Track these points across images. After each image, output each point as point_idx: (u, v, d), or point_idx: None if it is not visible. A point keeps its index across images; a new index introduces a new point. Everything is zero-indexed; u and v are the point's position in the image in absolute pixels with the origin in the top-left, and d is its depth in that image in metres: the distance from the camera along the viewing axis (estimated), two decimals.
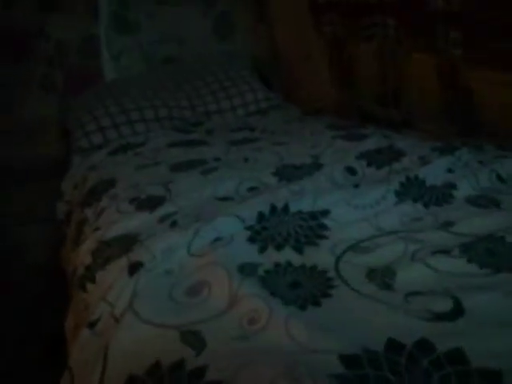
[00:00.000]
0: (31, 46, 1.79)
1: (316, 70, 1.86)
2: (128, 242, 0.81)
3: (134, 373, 0.51)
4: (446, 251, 0.65)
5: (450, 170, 0.96)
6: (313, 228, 0.77)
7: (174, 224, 0.86)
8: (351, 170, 1.05)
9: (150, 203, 0.98)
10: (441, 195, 0.86)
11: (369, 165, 1.07)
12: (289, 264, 0.68)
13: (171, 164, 1.24)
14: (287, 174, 1.08)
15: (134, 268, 0.69)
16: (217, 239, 0.75)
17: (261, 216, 0.82)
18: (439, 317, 0.53)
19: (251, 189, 1.02)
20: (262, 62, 2.10)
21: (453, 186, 0.88)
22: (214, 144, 1.42)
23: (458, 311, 0.53)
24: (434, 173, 0.94)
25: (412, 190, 0.89)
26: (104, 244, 0.85)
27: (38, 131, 1.81)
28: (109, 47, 1.93)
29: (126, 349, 0.54)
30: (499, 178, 0.93)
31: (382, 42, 1.42)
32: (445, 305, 0.54)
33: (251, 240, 0.75)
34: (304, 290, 0.61)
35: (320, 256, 0.69)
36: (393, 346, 0.48)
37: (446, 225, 0.74)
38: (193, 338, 0.53)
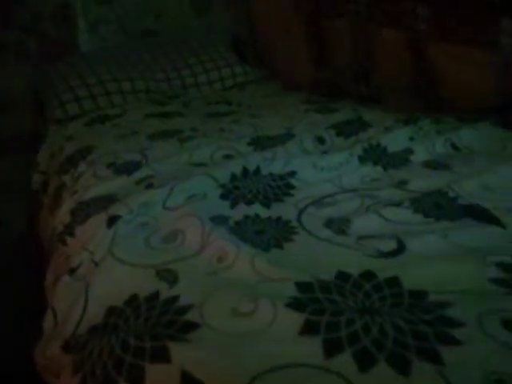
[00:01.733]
0: (6, 12, 1.75)
1: (294, 46, 1.90)
2: (106, 200, 0.85)
3: (113, 304, 0.56)
4: (396, 204, 0.73)
5: (411, 139, 1.04)
6: (280, 187, 0.84)
7: (150, 186, 0.90)
8: (321, 140, 1.12)
9: (126, 168, 1.02)
10: (398, 159, 0.94)
11: (338, 135, 1.14)
12: (257, 216, 0.74)
13: (148, 133, 1.27)
14: (261, 143, 1.13)
15: (113, 220, 0.74)
16: (191, 196, 0.80)
17: (233, 176, 0.87)
18: (384, 254, 0.60)
19: (226, 156, 1.07)
20: (240, 37, 2.12)
21: (410, 152, 0.96)
22: (190, 115, 1.46)
23: (400, 250, 0.61)
24: (396, 140, 1.02)
25: (373, 155, 0.96)
26: (83, 204, 0.89)
27: (13, 101, 1.79)
28: (85, 17, 1.91)
29: (106, 286, 0.60)
30: (454, 146, 1.01)
31: (353, 18, 1.48)
32: (390, 245, 0.62)
33: (223, 197, 0.81)
34: (268, 235, 0.67)
35: (285, 209, 0.75)
36: (341, 275, 0.56)
37: (401, 183, 0.82)
38: (167, 275, 0.59)
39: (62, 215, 0.92)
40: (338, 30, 1.61)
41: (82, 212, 0.86)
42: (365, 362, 0.42)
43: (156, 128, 1.32)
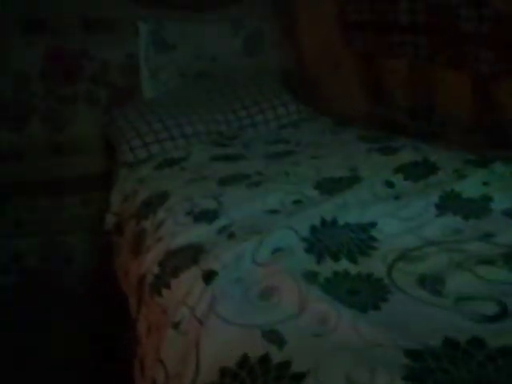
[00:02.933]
0: (78, 66, 1.94)
1: (345, 81, 1.93)
2: (194, 251, 0.91)
3: (225, 365, 0.60)
4: (490, 261, 0.73)
5: (485, 184, 1.03)
6: (363, 239, 0.86)
7: (231, 235, 0.95)
8: (389, 184, 1.13)
9: (205, 216, 1.08)
10: (477, 208, 0.93)
11: (405, 179, 1.14)
12: (346, 273, 0.76)
13: (217, 178, 1.33)
14: (327, 186, 1.16)
15: (209, 275, 0.78)
16: (276, 249, 0.84)
17: (313, 228, 0.90)
18: (487, 318, 0.60)
19: (295, 202, 1.10)
20: (291, 75, 2.19)
21: (490, 199, 0.95)
22: (252, 158, 1.51)
23: (503, 314, 0.61)
24: (470, 186, 1.01)
25: (451, 203, 0.96)
26: (170, 254, 0.95)
27: (86, 145, 1.95)
28: (147, 65, 2.07)
29: (215, 345, 0.63)
30: None
31: (412, 59, 1.50)
32: (492, 308, 0.62)
33: (308, 251, 0.84)
34: (363, 296, 0.69)
35: (373, 265, 0.77)
36: (449, 342, 0.56)
37: (487, 236, 0.82)
38: (274, 336, 0.62)
39: (150, 264, 0.98)
40: (394, 68, 1.64)
41: (170, 263, 0.92)
42: None
43: (223, 172, 1.37)
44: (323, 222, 0.92)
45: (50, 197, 1.99)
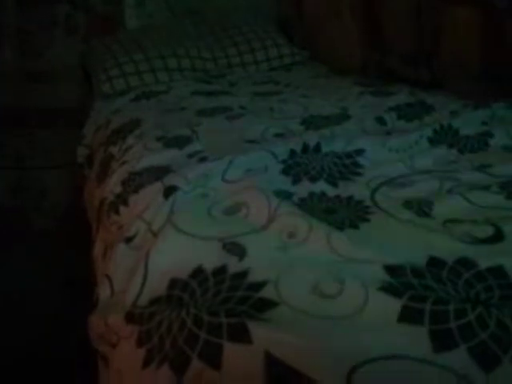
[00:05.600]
0: None
1: (344, 28, 1.80)
2: (160, 171, 0.82)
3: (176, 276, 0.52)
4: (484, 187, 0.65)
5: (484, 123, 0.95)
6: (347, 165, 0.77)
7: (204, 159, 0.86)
8: (381, 121, 1.04)
9: (177, 142, 0.98)
10: (476, 142, 0.85)
11: (399, 117, 1.06)
12: (323, 194, 0.68)
13: (196, 109, 1.23)
14: (315, 122, 1.07)
15: (170, 191, 0.70)
16: (250, 169, 0.75)
17: (292, 152, 0.82)
18: (479, 240, 0.53)
19: (278, 135, 1.01)
20: (288, 18, 2.04)
21: (488, 135, 0.87)
22: (237, 94, 1.41)
23: (498, 236, 0.53)
24: (468, 124, 0.93)
25: (445, 137, 0.88)
26: (134, 174, 0.86)
27: (62, 73, 1.81)
28: None
29: (167, 257, 0.55)
30: None
31: None
32: (485, 231, 0.54)
33: (284, 172, 0.75)
34: (340, 215, 0.61)
35: (355, 188, 0.69)
36: (434, 262, 0.49)
37: (483, 167, 0.74)
38: (234, 248, 0.54)
39: (113, 185, 0.89)
40: (395, 8, 1.51)
41: (134, 182, 0.83)
42: (486, 360, 0.36)
43: (204, 105, 1.28)
44: (305, 148, 0.83)
45: (23, 128, 1.86)
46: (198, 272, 0.52)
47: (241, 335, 0.41)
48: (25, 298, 1.36)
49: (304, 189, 0.70)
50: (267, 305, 0.44)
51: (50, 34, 1.79)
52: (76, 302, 0.85)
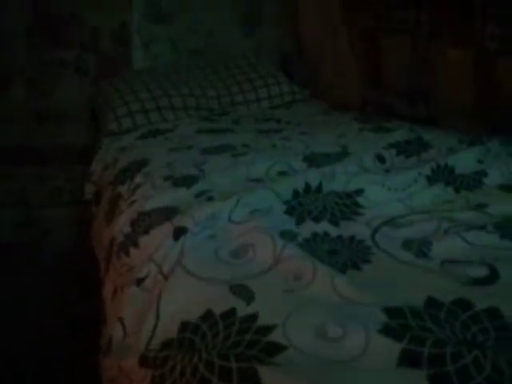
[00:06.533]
0: (67, 31, 1.86)
1: (343, 66, 1.88)
2: (168, 211, 0.85)
3: (187, 319, 0.54)
4: (480, 227, 0.68)
5: (479, 161, 0.98)
6: (348, 205, 0.81)
7: (210, 199, 0.89)
8: (380, 158, 1.08)
9: (184, 181, 1.02)
10: (471, 181, 0.88)
11: (398, 154, 1.10)
12: (326, 234, 0.71)
13: (201, 148, 1.27)
14: (316, 160, 1.11)
15: (179, 232, 0.72)
16: (255, 210, 0.78)
17: (295, 193, 0.85)
18: (475, 281, 0.55)
19: (281, 173, 1.05)
20: (288, 57, 2.13)
21: (483, 174, 0.90)
22: (241, 132, 1.46)
23: (493, 277, 0.56)
24: (464, 162, 0.97)
25: (442, 175, 0.91)
26: (143, 214, 0.89)
27: (71, 114, 1.87)
28: (140, 35, 1.99)
29: (178, 300, 0.58)
30: None
31: (414, 37, 1.44)
32: (481, 271, 0.57)
33: (288, 213, 0.79)
34: (343, 256, 0.64)
35: (356, 228, 0.72)
36: (432, 303, 0.51)
37: (479, 206, 0.77)
38: (242, 290, 0.56)
39: (122, 225, 0.92)
40: (393, 48, 1.59)
41: (143, 222, 0.86)
42: None
43: (209, 143, 1.32)
44: (307, 188, 0.87)
45: (31, 166, 1.91)
46: (207, 315, 0.54)
47: (251, 380, 0.43)
48: (26, 334, 1.36)
49: (308, 229, 0.73)
50: (276, 349, 0.46)
51: (59, 75, 1.87)
52: (79, 342, 0.85)
